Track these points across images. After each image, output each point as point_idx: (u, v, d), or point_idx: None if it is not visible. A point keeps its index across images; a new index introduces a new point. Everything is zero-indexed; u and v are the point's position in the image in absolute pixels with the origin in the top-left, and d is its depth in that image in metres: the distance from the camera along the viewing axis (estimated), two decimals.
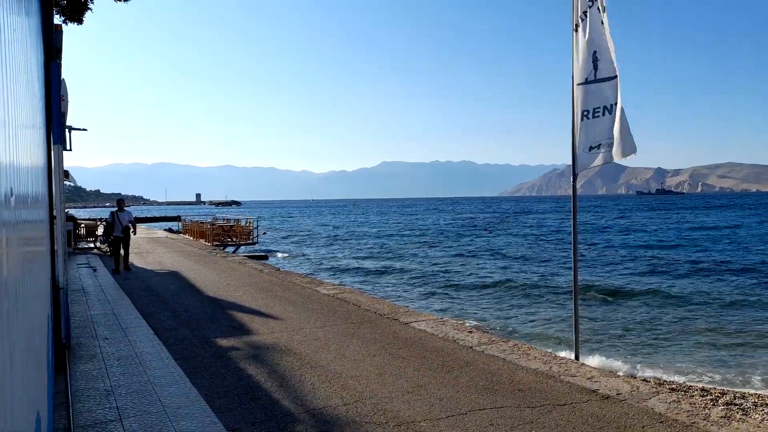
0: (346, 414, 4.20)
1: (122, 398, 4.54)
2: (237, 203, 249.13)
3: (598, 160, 6.21)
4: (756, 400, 7.57)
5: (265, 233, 47.58)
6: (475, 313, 15.18)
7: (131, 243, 14.30)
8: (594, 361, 9.01)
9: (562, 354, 7.41)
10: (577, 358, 6.17)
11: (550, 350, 7.42)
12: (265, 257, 26.33)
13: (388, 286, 20.53)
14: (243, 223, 25.82)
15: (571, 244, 6.82)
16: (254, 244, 25.59)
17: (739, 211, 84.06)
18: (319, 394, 4.62)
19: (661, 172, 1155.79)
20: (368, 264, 27.46)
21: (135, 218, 14.97)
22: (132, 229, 13.65)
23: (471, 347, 6.17)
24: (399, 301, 16.46)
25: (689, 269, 23.52)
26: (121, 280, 11.79)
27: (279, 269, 14.12)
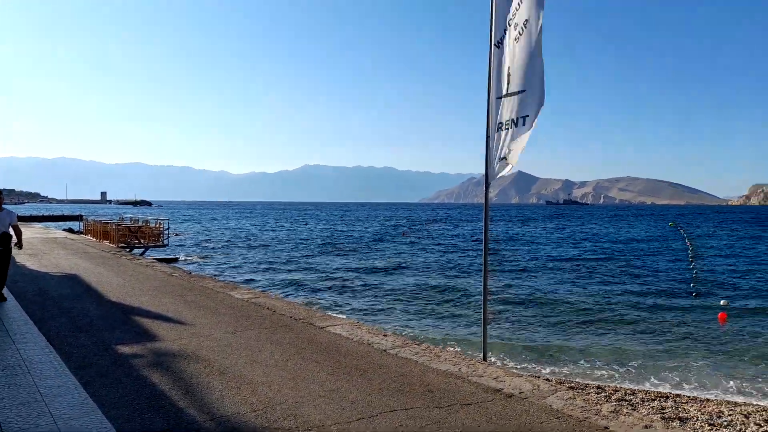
0: (255, 421, 4.10)
1: (6, 411, 4.16)
2: (147, 203, 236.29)
3: (507, 171, 6.53)
4: (644, 396, 8.24)
5: (177, 235, 45.53)
6: (391, 317, 15.39)
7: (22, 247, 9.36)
8: (501, 361, 9.42)
9: (472, 355, 7.68)
10: (485, 359, 6.42)
11: (460, 351, 7.67)
12: (176, 260, 25.20)
13: (304, 291, 20.32)
14: (152, 223, 24.54)
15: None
16: (164, 246, 24.40)
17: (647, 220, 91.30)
18: (227, 402, 4.49)
19: (569, 184, 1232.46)
20: (285, 268, 27.06)
21: (29, 217, 12.78)
22: (14, 238, 8.65)
23: (385, 350, 6.24)
24: (315, 305, 16.34)
25: (598, 277, 25.19)
26: (8, 282, 10.80)
27: (190, 273, 13.56)
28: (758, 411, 7.72)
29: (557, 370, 10.48)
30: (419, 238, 50.99)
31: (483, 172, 6.69)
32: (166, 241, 24.22)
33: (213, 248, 38.48)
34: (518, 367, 9.65)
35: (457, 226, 73.44)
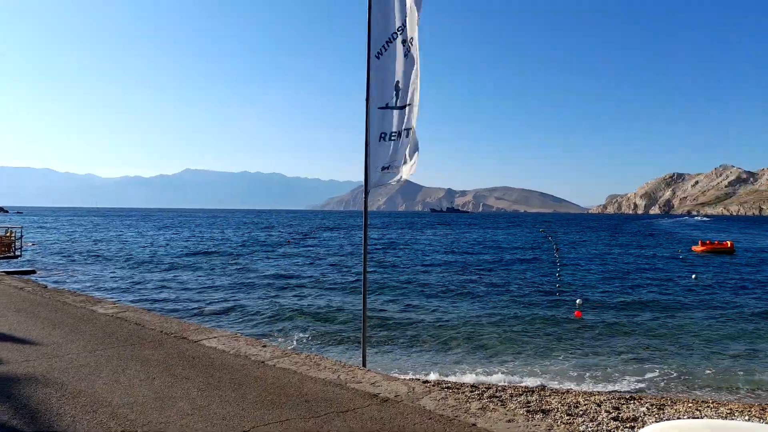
0: None
1: None
2: (2, 210, 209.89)
3: (389, 180, 6.67)
4: (513, 391, 8.83)
5: (33, 245, 41.02)
6: (273, 326, 15.05)
7: None
8: (381, 366, 9.60)
9: (352, 362, 7.72)
10: (364, 365, 6.48)
11: (341, 360, 7.67)
12: (32, 273, 22.62)
13: (179, 304, 19.22)
14: (2, 233, 21.84)
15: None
16: (16, 257, 21.79)
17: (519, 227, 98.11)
18: (80, 428, 4.07)
19: (451, 193, 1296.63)
20: (157, 279, 25.39)
21: None
22: None
23: (263, 362, 6.05)
24: (192, 319, 15.52)
25: (475, 280, 26.58)
26: None
27: (46, 287, 12.21)
28: (608, 399, 8.60)
29: (439, 372, 10.89)
30: (308, 247, 50.58)
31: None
32: (18, 252, 21.64)
33: (74, 260, 35.08)
34: (397, 370, 9.89)
35: (348, 233, 73.92)
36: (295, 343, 13.21)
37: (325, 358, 6.56)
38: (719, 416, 8.27)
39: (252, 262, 33.87)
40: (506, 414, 4.71)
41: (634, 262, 38.52)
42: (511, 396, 8.32)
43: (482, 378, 10.47)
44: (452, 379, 10.23)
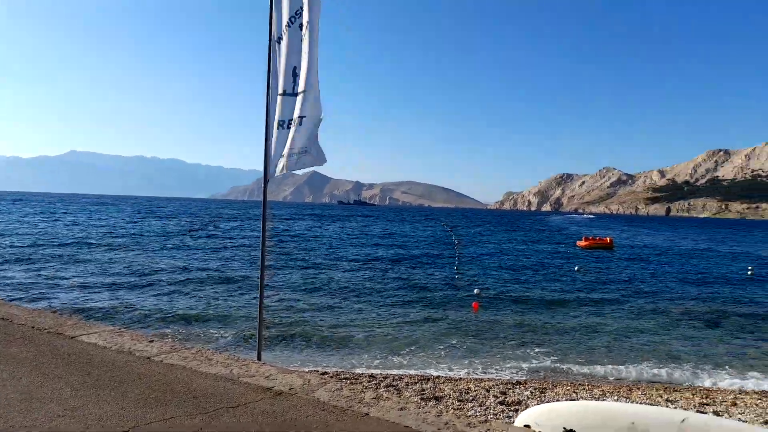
0: None
1: None
2: None
3: (291, 168, 6.53)
4: (409, 380, 9.07)
5: None
6: (166, 325, 14.31)
7: None
8: (281, 361, 9.46)
9: (247, 356, 7.53)
10: (259, 358, 6.33)
11: (235, 354, 7.45)
12: None
13: (60, 297, 17.71)
14: None
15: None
16: None
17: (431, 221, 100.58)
18: None
19: (359, 185, 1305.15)
20: (28, 272, 23.20)
21: None
22: None
23: (149, 357, 5.71)
24: (73, 314, 14.36)
25: (379, 273, 26.92)
26: None
27: None
28: (497, 385, 9.10)
29: (339, 364, 10.92)
30: (207, 238, 48.57)
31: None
32: None
33: None
34: (294, 362, 9.80)
35: (253, 224, 71.91)
36: (188, 341, 12.64)
37: (218, 353, 6.32)
38: (593, 397, 9.05)
39: (144, 254, 31.91)
40: (399, 402, 4.82)
41: (529, 256, 41.09)
42: (407, 384, 8.55)
43: (381, 369, 10.65)
44: (351, 370, 10.32)
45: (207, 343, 11.96)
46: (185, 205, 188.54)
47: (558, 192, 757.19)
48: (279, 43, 6.48)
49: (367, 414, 4.45)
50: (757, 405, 8.89)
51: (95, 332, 6.77)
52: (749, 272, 32.02)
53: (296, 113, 6.32)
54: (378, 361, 11.34)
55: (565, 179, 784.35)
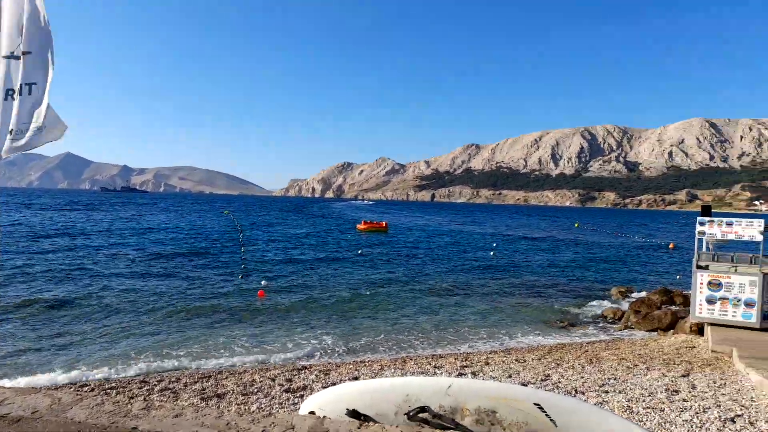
0: None
1: None
2: None
3: (26, 145, 5.37)
4: (188, 380, 8.41)
5: None
6: None
7: None
8: (20, 381, 7.92)
9: None
10: None
11: None
12: None
13: None
14: None
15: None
16: None
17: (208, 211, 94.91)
18: None
19: (127, 170, 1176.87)
20: None
21: None
22: None
23: None
24: None
25: (155, 266, 24.55)
26: None
27: None
28: (283, 372, 9.03)
29: (106, 371, 9.59)
30: None
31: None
32: None
33: None
34: (41, 381, 8.31)
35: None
36: None
37: None
38: (373, 373, 9.62)
39: None
40: (173, 409, 4.36)
41: (312, 241, 42.07)
42: (186, 385, 7.92)
43: (155, 371, 9.69)
44: (121, 375, 9.16)
45: None
46: None
47: (340, 179, 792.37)
48: None
49: (135, 428, 3.92)
50: (503, 362, 10.51)
51: None
52: (491, 254, 37.81)
53: (25, 79, 5.18)
54: (152, 362, 10.29)
55: (345, 168, 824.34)
